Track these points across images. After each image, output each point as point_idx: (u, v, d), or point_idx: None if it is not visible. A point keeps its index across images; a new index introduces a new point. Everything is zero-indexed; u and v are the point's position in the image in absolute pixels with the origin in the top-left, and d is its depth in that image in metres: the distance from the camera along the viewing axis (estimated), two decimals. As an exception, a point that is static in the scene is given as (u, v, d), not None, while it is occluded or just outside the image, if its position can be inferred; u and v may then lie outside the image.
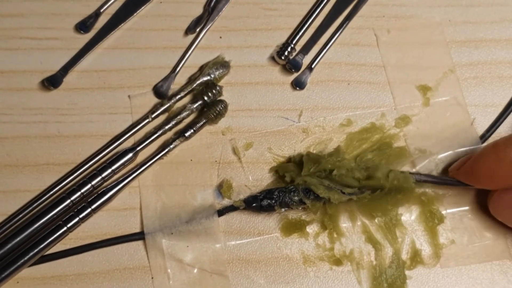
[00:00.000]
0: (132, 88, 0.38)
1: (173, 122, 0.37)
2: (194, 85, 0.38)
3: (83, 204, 0.35)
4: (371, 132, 0.38)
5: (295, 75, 0.39)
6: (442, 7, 0.41)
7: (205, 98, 0.37)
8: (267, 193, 0.36)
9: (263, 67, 0.39)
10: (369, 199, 0.36)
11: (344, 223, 0.36)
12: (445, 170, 0.37)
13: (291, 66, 0.39)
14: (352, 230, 0.36)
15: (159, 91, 0.38)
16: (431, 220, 0.36)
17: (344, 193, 0.35)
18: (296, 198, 0.35)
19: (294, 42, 0.39)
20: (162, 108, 0.37)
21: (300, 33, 0.40)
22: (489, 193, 0.35)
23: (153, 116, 0.37)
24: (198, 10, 0.40)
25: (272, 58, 0.39)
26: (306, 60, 0.39)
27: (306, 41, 0.40)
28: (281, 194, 0.35)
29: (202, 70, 0.39)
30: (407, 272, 0.36)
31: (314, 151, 0.38)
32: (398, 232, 0.36)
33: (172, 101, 0.38)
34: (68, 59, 0.38)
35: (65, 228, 0.34)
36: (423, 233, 0.37)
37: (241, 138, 0.38)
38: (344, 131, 0.38)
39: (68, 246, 0.35)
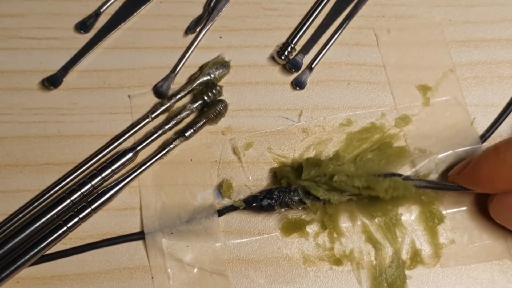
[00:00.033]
0: (132, 88, 0.38)
1: (173, 122, 0.37)
2: (194, 85, 0.38)
3: (83, 203, 0.35)
4: (371, 132, 0.38)
5: (295, 75, 0.39)
6: (442, 7, 0.41)
7: (205, 98, 0.37)
8: (267, 193, 0.36)
9: (263, 67, 0.39)
10: (369, 199, 0.36)
11: (344, 223, 0.36)
12: (445, 173, 0.37)
13: (291, 66, 0.39)
14: (352, 230, 0.36)
15: (159, 91, 0.38)
16: (431, 220, 0.36)
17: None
18: (296, 198, 0.35)
19: (294, 42, 0.39)
20: (162, 108, 0.37)
21: (300, 33, 0.40)
22: (489, 196, 0.35)
23: (153, 116, 0.37)
24: (198, 10, 0.40)
25: (272, 58, 0.39)
26: (306, 60, 0.39)
27: (306, 41, 0.40)
28: (281, 194, 0.35)
29: (202, 70, 0.39)
30: (407, 272, 0.36)
31: (314, 151, 0.38)
32: (398, 232, 0.36)
33: (172, 101, 0.38)
34: (68, 59, 0.38)
35: (65, 228, 0.34)
36: (423, 233, 0.37)
37: (241, 138, 0.38)
38: (344, 131, 0.38)
39: (68, 246, 0.35)
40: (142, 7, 0.40)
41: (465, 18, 0.41)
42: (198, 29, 0.40)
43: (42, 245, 0.34)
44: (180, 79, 0.39)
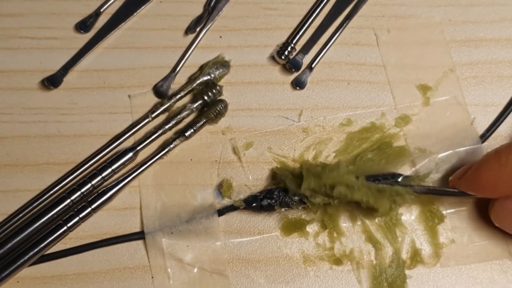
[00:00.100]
0: (132, 87, 0.38)
1: (173, 122, 0.37)
2: (194, 84, 0.38)
3: (83, 203, 0.35)
4: (371, 131, 0.38)
5: (295, 74, 0.39)
6: (442, 6, 0.41)
7: (205, 97, 0.37)
8: (267, 192, 0.36)
9: (263, 67, 0.39)
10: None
11: (344, 223, 0.36)
12: (445, 177, 0.37)
13: (291, 65, 0.39)
14: (352, 229, 0.36)
15: (159, 91, 0.38)
16: (431, 220, 0.36)
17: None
18: (296, 198, 0.35)
19: (294, 41, 0.39)
20: (162, 108, 0.37)
21: (300, 33, 0.40)
22: (490, 201, 0.35)
23: (153, 115, 0.37)
24: (198, 10, 0.40)
25: (272, 57, 0.40)
26: (306, 60, 0.39)
27: (306, 40, 0.40)
28: (281, 194, 0.35)
29: (202, 69, 0.39)
30: (407, 272, 0.36)
31: (314, 151, 0.38)
32: (398, 231, 0.36)
33: (172, 100, 0.38)
34: (68, 58, 0.38)
35: (65, 228, 0.34)
36: (423, 232, 0.37)
37: (241, 138, 0.38)
38: (344, 130, 0.38)
39: (68, 246, 0.35)
40: (142, 7, 0.40)
41: (465, 18, 0.41)
42: (198, 29, 0.40)
43: (42, 245, 0.34)
44: (180, 79, 0.39)
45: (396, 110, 0.39)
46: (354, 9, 0.41)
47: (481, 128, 0.39)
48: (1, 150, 0.37)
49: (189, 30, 0.40)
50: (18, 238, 0.34)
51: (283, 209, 0.36)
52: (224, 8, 0.40)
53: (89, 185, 0.35)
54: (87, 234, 0.36)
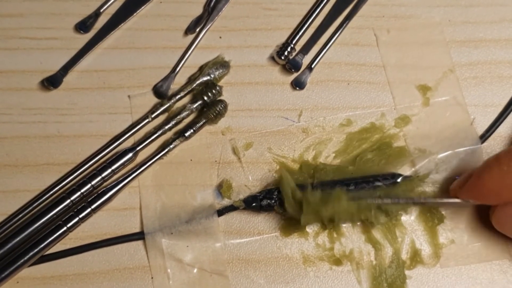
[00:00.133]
0: (132, 88, 0.38)
1: (173, 122, 0.37)
2: (194, 85, 0.38)
3: (83, 204, 0.35)
4: (371, 132, 0.38)
5: (295, 75, 0.39)
6: (442, 7, 0.41)
7: (205, 98, 0.37)
8: (267, 193, 0.36)
9: (263, 67, 0.39)
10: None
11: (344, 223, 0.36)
12: (445, 185, 0.37)
13: (291, 66, 0.39)
14: (352, 230, 0.36)
15: (159, 91, 0.38)
16: (431, 220, 0.36)
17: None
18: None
19: (294, 42, 0.39)
20: (162, 108, 0.37)
21: (300, 33, 0.40)
22: (491, 207, 0.35)
23: (153, 116, 0.37)
24: (198, 10, 0.40)
25: (272, 58, 0.40)
26: (306, 60, 0.39)
27: (306, 41, 0.40)
28: (281, 194, 0.35)
29: (202, 70, 0.39)
30: (407, 272, 0.36)
31: (314, 151, 0.38)
32: (398, 232, 0.36)
33: (172, 101, 0.38)
34: (68, 59, 0.38)
35: (65, 228, 0.34)
36: (423, 233, 0.37)
37: (241, 138, 0.38)
38: (344, 131, 0.38)
39: (68, 246, 0.35)
40: (142, 7, 0.40)
41: (465, 18, 0.41)
42: (198, 29, 0.40)
43: (42, 245, 0.34)
44: (180, 79, 0.39)
45: (396, 110, 0.39)
46: (354, 10, 0.41)
47: (481, 128, 0.39)
48: (1, 151, 0.37)
49: (188, 30, 0.40)
50: (18, 239, 0.34)
51: (283, 209, 0.36)
52: (224, 9, 0.40)
53: (89, 185, 0.35)
54: (87, 234, 0.36)
